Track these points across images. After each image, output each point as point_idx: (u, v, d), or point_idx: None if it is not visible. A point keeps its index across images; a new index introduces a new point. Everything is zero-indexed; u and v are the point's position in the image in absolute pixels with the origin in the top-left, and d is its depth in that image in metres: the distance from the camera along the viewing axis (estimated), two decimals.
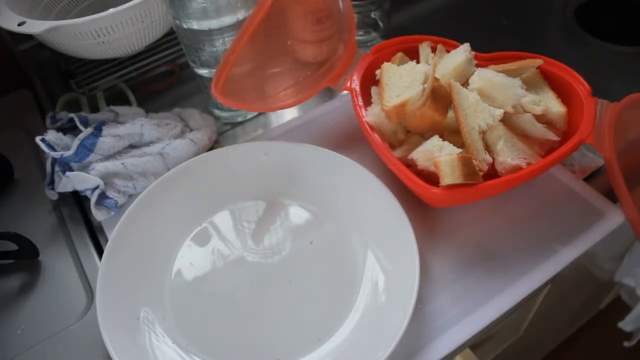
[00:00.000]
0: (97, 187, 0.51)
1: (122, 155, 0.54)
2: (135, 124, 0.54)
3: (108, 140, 0.53)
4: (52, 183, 0.54)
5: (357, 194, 0.50)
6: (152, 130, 0.55)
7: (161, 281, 0.47)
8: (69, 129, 0.58)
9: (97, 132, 0.53)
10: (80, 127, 0.55)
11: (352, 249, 0.48)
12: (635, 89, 0.49)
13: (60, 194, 0.54)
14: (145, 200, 0.49)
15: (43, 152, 0.53)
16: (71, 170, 0.52)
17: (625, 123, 0.46)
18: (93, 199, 0.51)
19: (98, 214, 0.51)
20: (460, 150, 0.44)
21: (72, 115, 0.56)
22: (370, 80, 0.53)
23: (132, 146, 0.55)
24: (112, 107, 0.59)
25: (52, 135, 0.53)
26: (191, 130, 0.58)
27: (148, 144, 0.55)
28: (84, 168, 0.53)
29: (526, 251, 0.47)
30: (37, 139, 0.52)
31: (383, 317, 0.42)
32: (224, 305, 0.46)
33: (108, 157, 0.54)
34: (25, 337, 0.45)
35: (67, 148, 0.53)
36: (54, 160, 0.53)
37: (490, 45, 0.54)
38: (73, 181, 0.51)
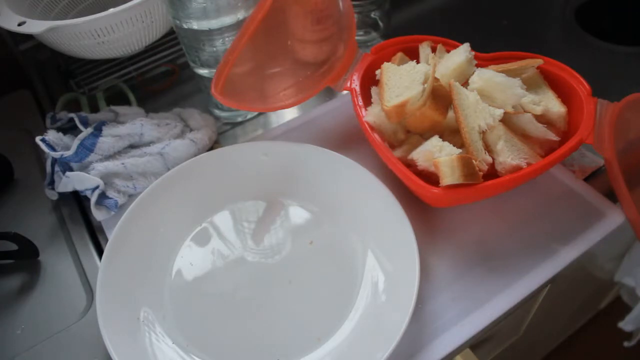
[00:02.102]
0: (97, 187, 0.51)
1: (122, 155, 0.54)
2: (135, 124, 0.54)
3: (108, 140, 0.53)
4: (52, 183, 0.54)
5: (357, 194, 0.50)
6: (152, 130, 0.55)
7: (161, 281, 0.47)
8: (69, 129, 0.58)
9: (97, 132, 0.53)
10: (80, 127, 0.55)
11: (352, 249, 0.48)
12: (635, 89, 0.49)
13: (60, 193, 0.54)
14: (145, 200, 0.49)
15: (43, 152, 0.53)
16: (71, 170, 0.52)
17: (625, 123, 0.46)
18: (93, 199, 0.51)
19: (98, 214, 0.51)
20: (460, 150, 0.44)
21: (72, 115, 0.56)
22: (370, 80, 0.53)
23: (132, 146, 0.55)
24: (112, 107, 0.58)
25: (52, 135, 0.53)
26: (191, 130, 0.58)
27: (148, 143, 0.55)
28: (84, 168, 0.53)
29: (526, 251, 0.47)
30: (37, 139, 0.52)
31: (383, 317, 0.42)
32: (224, 305, 0.46)
33: (108, 157, 0.53)
34: (25, 337, 0.45)
35: (67, 148, 0.53)
36: (54, 160, 0.53)
37: (490, 45, 0.54)
38: (73, 181, 0.51)
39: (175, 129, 0.56)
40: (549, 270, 0.46)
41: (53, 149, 0.52)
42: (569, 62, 0.51)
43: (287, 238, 0.50)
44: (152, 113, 0.59)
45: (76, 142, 0.52)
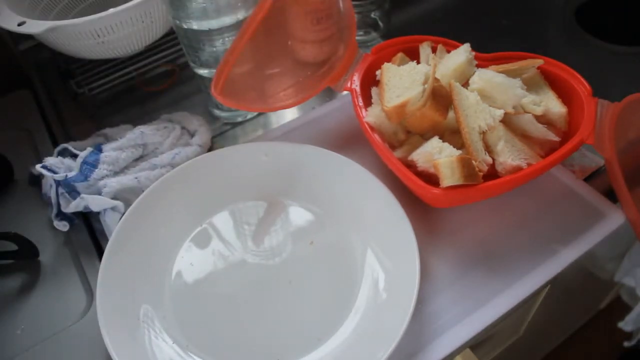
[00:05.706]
0: (114, 207, 0.50)
1: (132, 169, 0.53)
2: (134, 133, 0.53)
3: (111, 153, 0.51)
4: (59, 214, 0.52)
5: (357, 194, 0.50)
6: (153, 135, 0.54)
7: (161, 281, 0.47)
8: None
9: (97, 151, 0.52)
10: (76, 152, 0.53)
11: (352, 249, 0.48)
12: (635, 89, 0.49)
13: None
14: (145, 200, 0.49)
15: (41, 187, 0.52)
16: (76, 191, 0.51)
17: (626, 123, 0.46)
18: (109, 217, 0.50)
19: (112, 226, 0.50)
20: (460, 151, 0.44)
21: (64, 145, 0.55)
22: (370, 81, 0.53)
23: (139, 158, 0.54)
24: (99, 132, 0.57)
25: (51, 160, 0.52)
26: (189, 132, 0.57)
27: (155, 152, 0.54)
28: (96, 186, 0.51)
29: (526, 251, 0.47)
30: (38, 167, 0.51)
31: (383, 318, 0.42)
32: (225, 305, 0.46)
33: (118, 172, 0.52)
34: (25, 337, 0.45)
35: (70, 170, 0.52)
36: (58, 184, 0.51)
37: (491, 45, 0.54)
38: (88, 202, 0.50)
39: (175, 131, 0.56)
40: (549, 271, 0.46)
41: (55, 172, 0.51)
42: (569, 62, 0.50)
43: (288, 238, 0.50)
44: (140, 125, 0.56)
45: (79, 160, 0.51)
